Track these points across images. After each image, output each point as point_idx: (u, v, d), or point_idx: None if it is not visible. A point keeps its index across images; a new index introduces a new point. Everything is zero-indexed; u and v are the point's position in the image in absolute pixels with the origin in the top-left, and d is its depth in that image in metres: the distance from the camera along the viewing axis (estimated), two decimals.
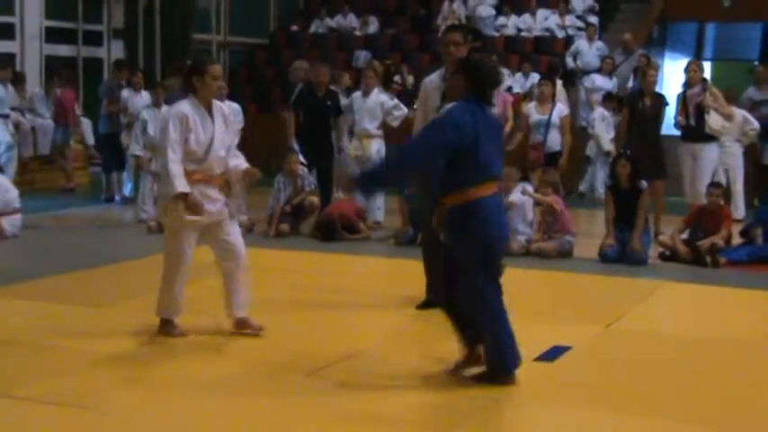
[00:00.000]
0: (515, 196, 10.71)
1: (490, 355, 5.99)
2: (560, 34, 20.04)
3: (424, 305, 7.75)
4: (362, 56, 20.26)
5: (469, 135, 5.80)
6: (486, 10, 20.75)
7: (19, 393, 5.73)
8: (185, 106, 6.89)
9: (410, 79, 18.12)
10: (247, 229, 11.33)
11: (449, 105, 6.24)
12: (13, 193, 11.35)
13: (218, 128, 6.94)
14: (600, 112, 15.43)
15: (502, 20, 20.71)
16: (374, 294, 8.76)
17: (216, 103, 7.06)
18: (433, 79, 7.72)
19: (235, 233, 7.15)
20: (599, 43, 18.65)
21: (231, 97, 12.25)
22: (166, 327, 7.08)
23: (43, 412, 5.48)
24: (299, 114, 12.31)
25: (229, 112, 7.41)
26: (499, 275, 6.05)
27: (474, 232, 5.86)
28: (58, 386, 5.90)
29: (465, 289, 5.95)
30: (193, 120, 6.83)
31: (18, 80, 15.68)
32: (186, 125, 6.79)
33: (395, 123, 12.18)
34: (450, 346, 6.31)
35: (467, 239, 5.89)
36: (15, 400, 5.64)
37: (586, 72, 17.83)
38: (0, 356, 6.53)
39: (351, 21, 21.94)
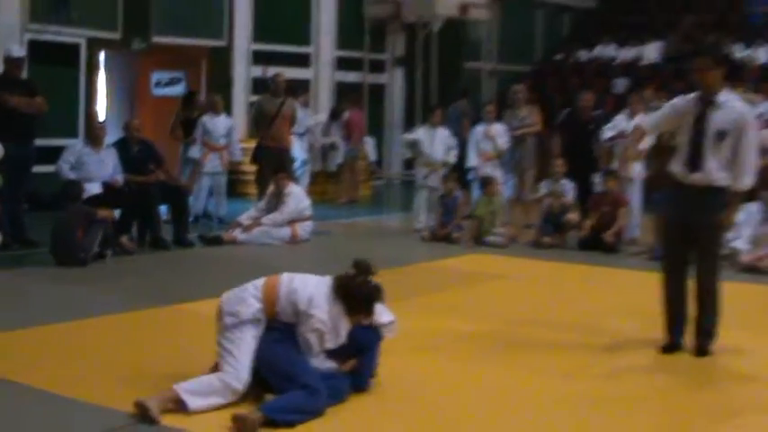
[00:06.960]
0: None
1: None
2: None
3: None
4: (620, 83, 19.99)
5: None
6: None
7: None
8: None
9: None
10: (510, 239, 11.48)
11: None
12: (306, 202, 11.60)
13: None
14: None
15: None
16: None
17: None
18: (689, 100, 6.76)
19: None
20: None
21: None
22: None
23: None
24: (564, 136, 12.22)
25: None
26: None
27: None
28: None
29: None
30: None
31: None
32: None
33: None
34: None
35: None
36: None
37: None
38: None
39: (610, 50, 21.57)
